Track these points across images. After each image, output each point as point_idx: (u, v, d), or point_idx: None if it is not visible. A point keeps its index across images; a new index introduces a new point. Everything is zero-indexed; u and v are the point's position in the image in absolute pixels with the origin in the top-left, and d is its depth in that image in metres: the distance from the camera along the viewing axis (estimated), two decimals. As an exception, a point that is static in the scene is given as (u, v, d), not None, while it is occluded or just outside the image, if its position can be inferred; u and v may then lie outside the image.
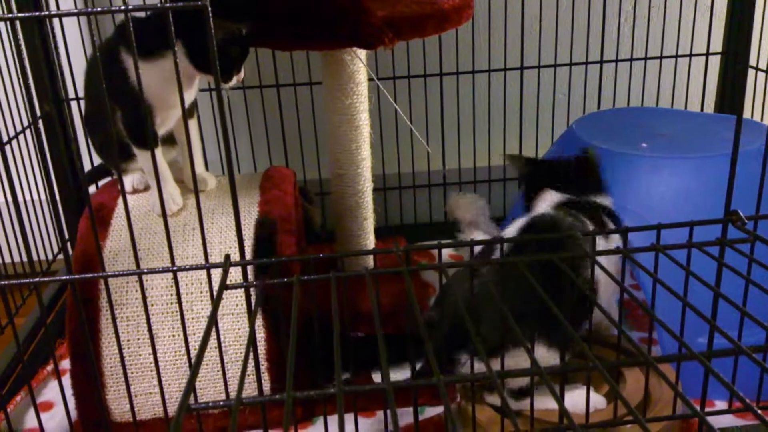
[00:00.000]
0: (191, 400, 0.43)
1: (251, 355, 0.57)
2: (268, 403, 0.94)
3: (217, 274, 0.87)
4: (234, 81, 0.96)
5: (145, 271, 0.64)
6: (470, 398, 0.84)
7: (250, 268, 0.86)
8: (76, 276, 0.64)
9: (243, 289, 0.79)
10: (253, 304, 0.56)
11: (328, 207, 1.38)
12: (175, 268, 0.64)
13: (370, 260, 1.24)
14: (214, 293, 0.59)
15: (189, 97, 0.99)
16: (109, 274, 0.63)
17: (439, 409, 0.94)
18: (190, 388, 0.44)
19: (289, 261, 0.72)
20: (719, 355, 0.47)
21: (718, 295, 0.61)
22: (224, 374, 0.69)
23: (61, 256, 1.31)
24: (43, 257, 1.27)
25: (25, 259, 1.21)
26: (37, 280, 0.63)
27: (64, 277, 0.64)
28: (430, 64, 1.39)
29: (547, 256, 0.61)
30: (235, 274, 0.91)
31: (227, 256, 0.63)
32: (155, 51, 0.89)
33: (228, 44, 0.90)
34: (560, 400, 0.44)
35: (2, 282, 0.63)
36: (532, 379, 0.68)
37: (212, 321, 0.51)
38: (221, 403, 0.42)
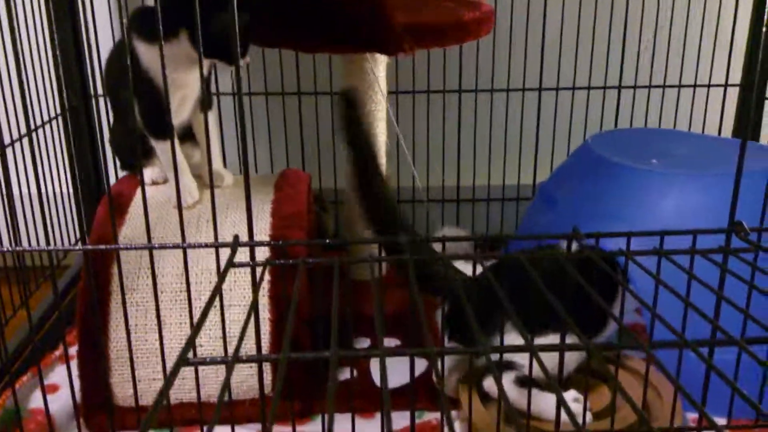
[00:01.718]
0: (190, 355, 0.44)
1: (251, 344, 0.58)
2: (268, 397, 0.95)
3: (224, 261, 0.89)
4: (241, 64, 0.98)
5: (156, 246, 0.66)
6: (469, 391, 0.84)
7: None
8: (90, 246, 0.66)
9: (250, 277, 0.81)
10: (258, 280, 0.57)
11: (341, 215, 1.40)
12: (185, 244, 0.66)
13: (376, 265, 1.24)
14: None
15: (196, 79, 1.00)
16: (122, 246, 0.65)
17: (437, 414, 0.94)
18: (191, 343, 0.45)
19: (296, 245, 0.74)
20: (720, 344, 0.48)
21: (720, 298, 0.62)
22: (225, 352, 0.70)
23: (77, 247, 1.34)
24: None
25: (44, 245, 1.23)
26: (53, 248, 0.65)
27: (78, 248, 0.66)
28: (449, 79, 1.42)
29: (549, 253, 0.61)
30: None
31: (236, 237, 0.65)
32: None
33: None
34: (560, 393, 0.44)
35: (18, 248, 0.65)
36: (531, 362, 0.68)
37: (217, 289, 0.53)
38: (218, 359, 0.43)
